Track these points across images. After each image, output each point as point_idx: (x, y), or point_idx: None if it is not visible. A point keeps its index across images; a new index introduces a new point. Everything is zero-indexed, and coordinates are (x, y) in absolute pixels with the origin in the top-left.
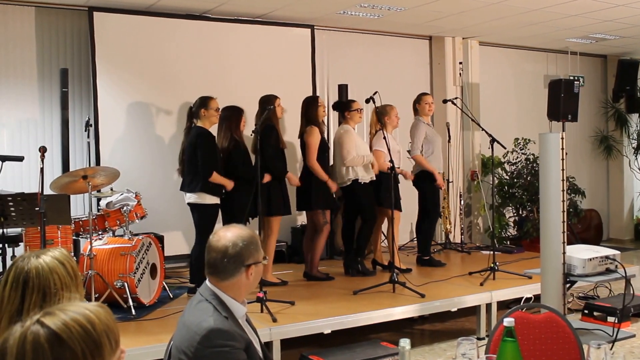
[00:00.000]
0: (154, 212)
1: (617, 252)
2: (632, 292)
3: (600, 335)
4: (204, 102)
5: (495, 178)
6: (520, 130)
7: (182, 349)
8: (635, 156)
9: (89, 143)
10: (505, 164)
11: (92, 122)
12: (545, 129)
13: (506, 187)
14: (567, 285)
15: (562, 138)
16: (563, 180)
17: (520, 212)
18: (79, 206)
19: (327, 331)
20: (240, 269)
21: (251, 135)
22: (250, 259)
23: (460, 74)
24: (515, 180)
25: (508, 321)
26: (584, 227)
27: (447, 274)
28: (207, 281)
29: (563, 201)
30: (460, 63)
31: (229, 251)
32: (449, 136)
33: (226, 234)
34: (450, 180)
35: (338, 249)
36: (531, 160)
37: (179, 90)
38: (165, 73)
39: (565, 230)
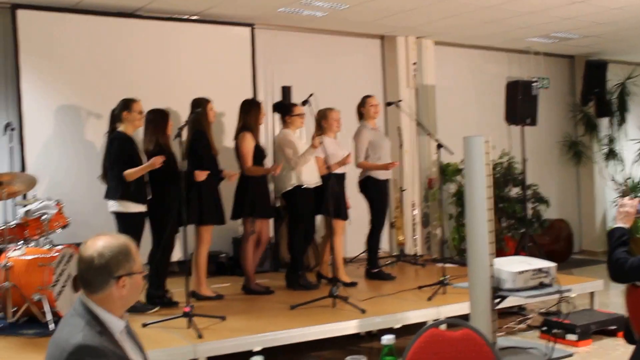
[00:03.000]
0: (81, 221)
1: (553, 264)
2: (570, 308)
3: (534, 354)
4: (127, 104)
5: (454, 185)
6: (480, 135)
7: None
8: (606, 163)
9: (12, 148)
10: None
11: (14, 125)
12: (506, 132)
13: None
14: (497, 300)
15: (487, 142)
16: (489, 187)
17: None
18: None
19: (256, 348)
20: (109, 281)
21: (174, 139)
22: (119, 270)
23: (414, 75)
24: None
25: (387, 339)
26: (553, 238)
27: (396, 288)
28: (80, 294)
29: (490, 209)
30: (415, 64)
31: (94, 262)
32: (401, 141)
33: (95, 243)
34: (404, 188)
35: (283, 261)
36: (492, 166)
37: (109, 92)
38: (95, 74)
39: (494, 241)
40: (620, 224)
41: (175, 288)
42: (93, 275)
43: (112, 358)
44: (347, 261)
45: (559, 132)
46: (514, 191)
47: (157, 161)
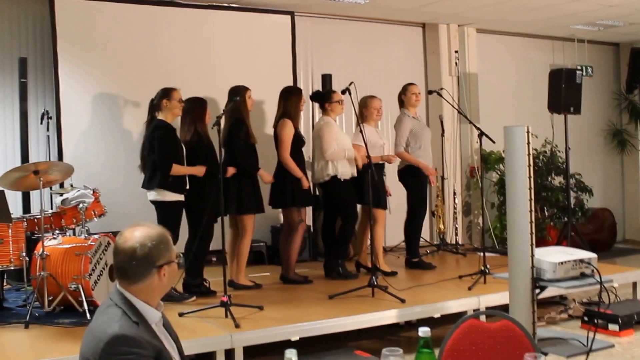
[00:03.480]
0: (118, 210)
1: (594, 255)
2: (612, 298)
3: (574, 345)
4: (166, 92)
5: (497, 174)
6: (523, 124)
7: (87, 357)
8: None
9: (48, 136)
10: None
11: (52, 114)
12: (549, 121)
13: None
14: (537, 291)
15: (528, 132)
16: (530, 177)
17: None
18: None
19: (294, 338)
20: (151, 270)
21: (212, 128)
22: (161, 260)
23: (456, 63)
24: None
25: (423, 331)
26: (596, 227)
27: (436, 278)
28: (117, 285)
29: (530, 200)
30: (456, 52)
31: (137, 253)
32: (443, 130)
33: (133, 235)
34: (445, 177)
35: (321, 250)
36: (534, 155)
37: (147, 81)
38: (133, 63)
39: (534, 231)
40: None
41: (213, 277)
42: (135, 266)
43: (148, 348)
44: (387, 250)
45: (603, 120)
46: (557, 180)
47: (201, 172)
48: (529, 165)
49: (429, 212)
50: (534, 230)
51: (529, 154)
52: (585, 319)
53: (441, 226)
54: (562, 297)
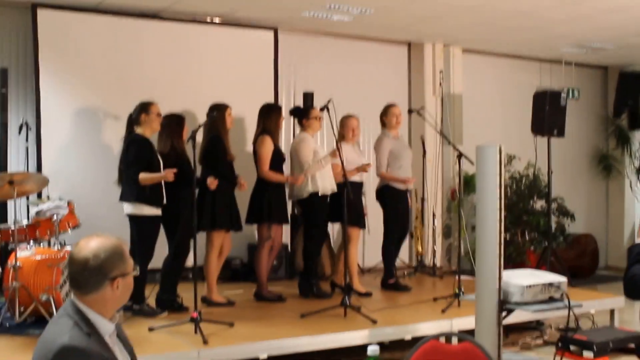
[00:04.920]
0: (95, 223)
1: (564, 279)
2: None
3: None
4: (144, 106)
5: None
6: (508, 146)
7: None
8: (638, 177)
9: (27, 147)
10: None
11: (31, 125)
12: (534, 144)
13: None
14: (504, 313)
15: (501, 151)
16: (500, 198)
17: (504, 235)
18: (20, 214)
19: (263, 356)
20: (104, 282)
21: (187, 142)
22: (114, 271)
23: (440, 83)
24: None
25: (372, 350)
26: (578, 253)
27: (410, 300)
28: (71, 295)
29: (500, 220)
30: (441, 72)
31: (90, 263)
32: (424, 150)
33: (88, 245)
34: (426, 198)
35: (298, 269)
36: (517, 178)
37: (128, 94)
38: (114, 76)
39: (502, 252)
40: None
41: (187, 294)
42: (87, 277)
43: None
44: (365, 271)
45: (589, 144)
46: (539, 204)
47: (170, 175)
48: (500, 185)
49: (408, 234)
50: (502, 252)
51: (500, 174)
52: (560, 345)
53: (419, 248)
54: (539, 323)
